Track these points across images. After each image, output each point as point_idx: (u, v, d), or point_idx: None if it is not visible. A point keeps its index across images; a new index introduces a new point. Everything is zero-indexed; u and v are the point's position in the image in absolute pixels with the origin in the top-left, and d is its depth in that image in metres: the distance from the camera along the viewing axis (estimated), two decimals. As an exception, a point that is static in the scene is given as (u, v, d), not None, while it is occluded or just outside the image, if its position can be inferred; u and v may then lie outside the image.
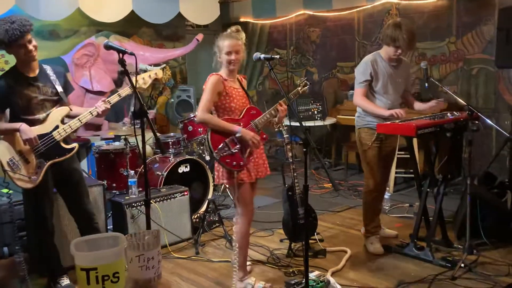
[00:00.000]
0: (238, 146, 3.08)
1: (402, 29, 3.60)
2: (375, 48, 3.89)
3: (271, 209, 5.05)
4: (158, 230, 2.29)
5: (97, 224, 3.46)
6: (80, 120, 3.17)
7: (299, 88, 3.48)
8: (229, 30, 3.21)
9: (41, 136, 3.11)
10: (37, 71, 3.19)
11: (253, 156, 3.20)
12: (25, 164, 3.09)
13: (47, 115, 3.19)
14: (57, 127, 3.17)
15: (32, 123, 3.11)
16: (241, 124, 3.14)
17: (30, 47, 3.06)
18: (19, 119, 3.11)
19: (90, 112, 3.17)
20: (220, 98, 3.15)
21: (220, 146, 3.03)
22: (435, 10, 5.95)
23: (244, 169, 3.14)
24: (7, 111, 3.17)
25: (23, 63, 3.14)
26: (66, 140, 3.23)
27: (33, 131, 3.07)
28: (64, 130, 3.16)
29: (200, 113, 3.08)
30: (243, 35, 3.22)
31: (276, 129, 3.54)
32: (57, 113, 3.22)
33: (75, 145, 3.26)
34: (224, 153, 3.03)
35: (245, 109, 3.20)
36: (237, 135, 3.07)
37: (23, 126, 3.05)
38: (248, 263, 3.56)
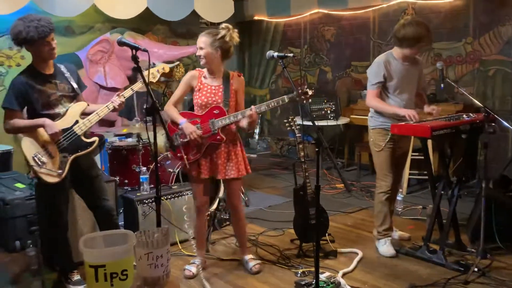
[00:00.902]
0: (186, 140, 3.31)
1: (421, 26, 3.55)
2: (390, 48, 3.84)
3: (282, 208, 5.03)
4: (168, 228, 2.28)
5: (116, 219, 3.49)
6: (98, 114, 3.23)
7: (294, 94, 3.10)
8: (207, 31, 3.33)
9: (63, 131, 3.15)
10: (52, 69, 3.24)
11: (207, 153, 3.35)
12: (50, 159, 3.13)
13: (66, 110, 3.23)
14: (77, 121, 3.22)
15: (52, 118, 3.15)
16: (199, 120, 3.32)
17: (54, 44, 3.13)
18: (38, 115, 3.13)
19: (107, 106, 3.24)
20: (193, 93, 3.39)
21: (172, 136, 3.27)
22: (451, 10, 5.87)
23: (187, 163, 3.36)
24: (24, 110, 3.20)
25: (42, 61, 3.17)
26: (86, 134, 3.28)
27: (58, 125, 3.12)
28: (84, 124, 3.22)
29: (166, 105, 3.42)
30: (219, 32, 3.27)
31: (248, 132, 3.50)
32: (76, 108, 3.27)
33: (95, 138, 3.30)
34: (174, 144, 3.31)
35: (210, 107, 3.32)
36: (179, 126, 3.33)
37: (47, 121, 3.09)
38: (257, 262, 3.60)
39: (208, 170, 3.40)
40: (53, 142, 3.14)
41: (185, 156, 3.35)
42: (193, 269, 3.51)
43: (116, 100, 3.24)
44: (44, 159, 3.11)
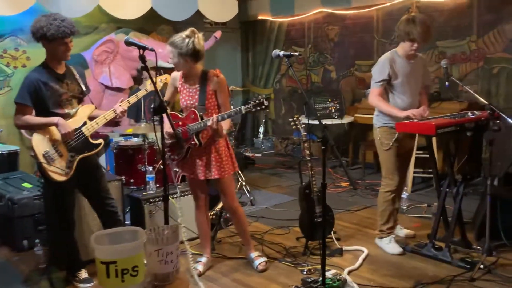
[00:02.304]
0: (171, 141, 3.36)
1: (415, 22, 3.56)
2: (394, 47, 3.85)
3: (288, 206, 5.05)
4: (177, 225, 2.31)
5: (120, 218, 3.53)
6: (105, 117, 3.29)
7: (251, 105, 3.11)
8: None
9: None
10: (64, 69, 3.28)
11: (192, 154, 3.39)
12: (59, 157, 3.16)
13: (76, 111, 3.28)
14: (85, 123, 3.27)
15: (62, 117, 3.18)
16: (180, 122, 3.36)
17: (70, 46, 3.19)
18: (48, 113, 3.16)
19: (113, 110, 3.30)
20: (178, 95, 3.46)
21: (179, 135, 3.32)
22: (455, 8, 5.87)
23: (174, 163, 3.48)
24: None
25: (55, 60, 3.21)
26: (92, 136, 3.32)
27: (70, 125, 3.16)
28: (92, 126, 3.27)
29: None
30: (183, 41, 3.21)
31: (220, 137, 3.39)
32: (85, 109, 3.33)
33: (101, 141, 3.36)
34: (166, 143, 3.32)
35: (188, 111, 3.35)
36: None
37: (61, 120, 3.13)
38: (263, 259, 3.62)
39: (190, 171, 3.45)
40: (63, 141, 3.17)
41: (172, 156, 3.43)
42: (199, 267, 3.54)
43: (118, 108, 3.29)
44: (54, 157, 3.14)
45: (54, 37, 3.05)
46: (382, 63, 3.75)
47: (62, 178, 3.16)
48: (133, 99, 3.39)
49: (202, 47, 3.30)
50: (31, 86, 3.11)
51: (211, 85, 3.34)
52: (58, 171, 3.14)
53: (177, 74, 3.45)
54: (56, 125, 3.13)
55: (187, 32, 3.27)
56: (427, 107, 3.78)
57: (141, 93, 3.45)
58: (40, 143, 3.14)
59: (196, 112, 3.31)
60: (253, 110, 3.09)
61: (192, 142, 3.31)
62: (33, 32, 3.11)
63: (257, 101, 3.08)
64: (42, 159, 3.10)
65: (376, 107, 3.80)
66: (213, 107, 3.37)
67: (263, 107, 3.08)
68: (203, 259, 3.61)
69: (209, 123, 3.19)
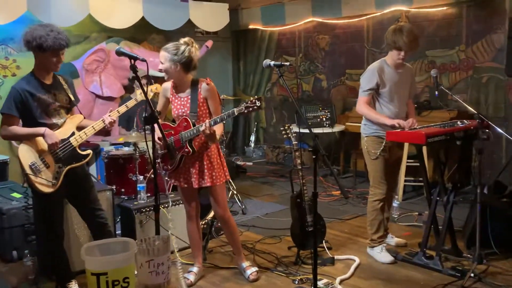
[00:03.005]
0: (163, 151, 3.37)
1: (402, 31, 3.60)
2: (385, 56, 3.88)
3: (279, 216, 5.04)
4: (168, 236, 2.30)
5: (110, 228, 3.49)
6: (93, 128, 3.26)
7: (243, 106, 3.10)
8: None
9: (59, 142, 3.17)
10: (52, 80, 3.25)
11: (184, 163, 3.40)
12: (46, 168, 3.13)
13: (64, 121, 3.25)
14: (73, 133, 3.25)
15: (50, 127, 3.15)
16: (173, 131, 3.38)
17: (62, 58, 3.18)
18: (36, 123, 3.13)
19: (102, 120, 3.27)
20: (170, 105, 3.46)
21: (170, 145, 3.27)
22: (445, 18, 5.94)
23: (167, 173, 3.49)
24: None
25: (45, 71, 3.18)
26: (80, 146, 3.29)
27: (57, 136, 3.13)
28: (80, 137, 3.24)
29: None
30: (179, 48, 3.26)
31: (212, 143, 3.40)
32: (74, 119, 3.31)
33: (89, 151, 3.33)
34: (157, 153, 3.29)
35: (180, 119, 3.36)
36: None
37: (47, 130, 3.10)
38: (255, 269, 3.61)
39: (184, 180, 3.44)
40: (50, 152, 3.15)
41: (165, 167, 3.43)
42: (191, 277, 3.52)
43: (107, 118, 3.27)
44: (41, 168, 3.11)
45: (50, 48, 3.03)
46: (370, 71, 3.78)
47: (49, 190, 3.13)
48: (122, 109, 3.37)
49: (196, 58, 3.32)
50: (17, 96, 3.08)
51: (202, 93, 3.35)
52: (44, 183, 3.10)
53: (168, 85, 3.45)
54: (43, 135, 3.09)
55: (185, 39, 3.31)
56: (414, 119, 3.80)
57: (130, 103, 3.43)
58: (26, 154, 3.10)
59: (188, 119, 3.31)
60: (245, 111, 3.08)
61: (186, 150, 3.31)
62: (27, 41, 3.06)
63: (249, 102, 3.08)
64: (28, 171, 3.07)
65: (364, 116, 3.82)
66: (205, 114, 3.37)
67: (255, 107, 3.07)
68: (195, 269, 3.59)
69: (201, 128, 3.19)
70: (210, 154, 3.40)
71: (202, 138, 3.33)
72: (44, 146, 3.13)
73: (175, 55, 3.25)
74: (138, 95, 3.48)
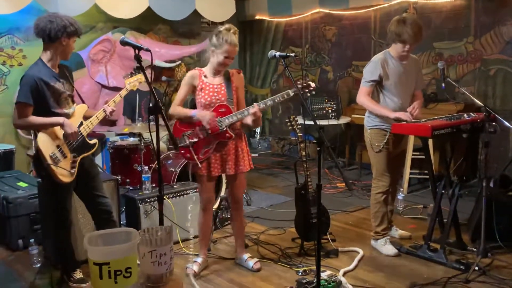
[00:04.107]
0: (195, 140, 3.32)
1: (406, 23, 3.56)
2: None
3: (283, 207, 5.05)
4: (171, 226, 2.30)
5: (114, 218, 3.50)
6: (97, 117, 3.28)
7: (299, 87, 3.09)
8: (233, 31, 3.28)
9: None
10: (57, 69, 3.24)
11: (215, 151, 3.36)
12: (63, 158, 3.13)
13: (74, 110, 3.26)
14: (81, 123, 3.25)
15: (64, 117, 3.14)
16: (224, 110, 3.33)
17: (73, 47, 3.20)
18: (49, 113, 3.11)
19: (103, 110, 3.29)
20: (196, 93, 3.40)
21: (176, 137, 3.26)
22: (453, 10, 5.88)
23: (199, 162, 3.34)
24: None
25: (55, 59, 3.16)
26: (87, 136, 3.31)
27: (75, 125, 3.14)
28: (88, 126, 3.26)
29: (171, 107, 3.39)
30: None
31: (252, 129, 3.48)
32: (80, 109, 3.31)
33: (95, 140, 3.35)
34: (182, 144, 3.28)
35: (215, 106, 3.34)
36: (194, 118, 3.32)
37: (66, 120, 3.10)
38: (256, 259, 3.63)
39: (218, 168, 3.43)
40: (65, 142, 3.14)
41: (195, 156, 3.35)
42: (195, 267, 3.53)
43: (107, 108, 3.28)
44: (60, 158, 3.10)
45: (80, 32, 3.11)
46: (374, 63, 3.74)
47: (69, 180, 3.14)
48: (117, 98, 3.36)
49: None
50: (34, 84, 3.03)
51: (235, 82, 3.43)
52: (64, 173, 3.11)
53: (196, 73, 3.42)
54: (62, 125, 3.09)
55: (234, 29, 3.31)
56: (419, 106, 3.74)
57: (123, 92, 3.40)
58: (46, 144, 3.07)
59: (228, 105, 3.34)
60: (301, 92, 3.10)
61: (227, 135, 3.33)
62: (42, 29, 3.01)
63: (304, 83, 3.06)
64: (49, 161, 3.04)
65: (365, 107, 3.79)
66: (235, 103, 3.43)
67: (310, 88, 3.09)
68: (199, 259, 3.60)
69: (251, 111, 3.22)
70: (241, 141, 3.47)
71: (237, 124, 3.37)
72: (60, 135, 3.12)
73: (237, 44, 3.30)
74: (127, 84, 3.43)
